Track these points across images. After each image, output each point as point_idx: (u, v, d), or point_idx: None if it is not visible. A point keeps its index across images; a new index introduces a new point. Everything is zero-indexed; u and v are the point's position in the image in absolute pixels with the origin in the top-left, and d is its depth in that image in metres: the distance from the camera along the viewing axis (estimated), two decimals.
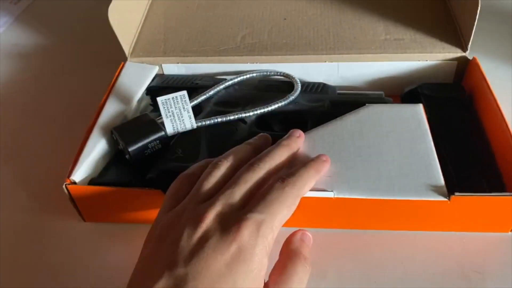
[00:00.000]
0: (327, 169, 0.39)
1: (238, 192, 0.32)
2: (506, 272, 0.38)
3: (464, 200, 0.38)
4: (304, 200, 0.39)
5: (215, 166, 0.35)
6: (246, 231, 0.29)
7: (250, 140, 0.40)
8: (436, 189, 0.38)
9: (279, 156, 0.37)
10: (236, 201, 0.32)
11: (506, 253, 0.40)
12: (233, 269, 0.28)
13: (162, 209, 0.34)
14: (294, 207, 0.33)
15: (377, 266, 0.40)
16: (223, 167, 0.35)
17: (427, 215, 0.40)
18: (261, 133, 0.41)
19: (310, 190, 0.38)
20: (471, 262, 0.39)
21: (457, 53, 0.50)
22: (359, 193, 0.38)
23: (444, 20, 0.54)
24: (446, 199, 0.38)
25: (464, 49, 0.50)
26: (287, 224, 0.42)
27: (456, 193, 0.37)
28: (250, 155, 0.37)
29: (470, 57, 0.50)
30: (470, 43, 0.50)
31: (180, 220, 0.31)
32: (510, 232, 0.41)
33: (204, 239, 0.29)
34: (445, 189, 0.38)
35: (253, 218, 0.30)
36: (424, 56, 0.51)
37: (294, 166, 0.36)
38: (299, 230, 0.35)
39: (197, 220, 0.30)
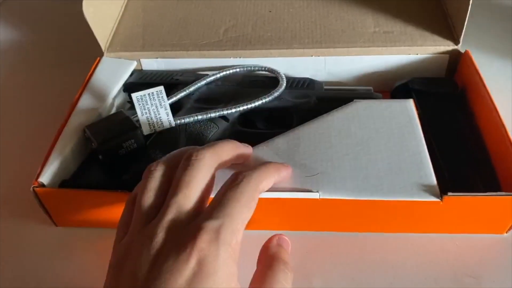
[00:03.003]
0: (288, 175, 0.36)
1: (183, 199, 0.29)
2: (502, 276, 0.36)
3: (457, 200, 0.35)
4: (288, 201, 0.37)
5: (148, 176, 0.31)
6: (203, 241, 0.26)
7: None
8: (428, 189, 0.36)
9: (222, 148, 0.33)
10: (185, 210, 0.28)
11: (502, 256, 0.38)
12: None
13: (116, 240, 0.30)
14: (253, 205, 0.30)
15: (365, 271, 0.37)
16: (157, 173, 0.31)
17: (418, 217, 0.37)
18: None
19: (295, 191, 0.36)
20: (465, 265, 0.37)
21: (449, 46, 0.48)
22: (346, 194, 0.36)
23: (435, 11, 0.52)
24: (438, 200, 0.35)
25: (456, 42, 0.48)
26: (269, 227, 0.40)
27: (449, 193, 0.35)
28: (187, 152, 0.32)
29: (462, 50, 0.48)
30: (462, 36, 0.47)
31: (131, 248, 0.28)
32: (506, 234, 0.39)
33: (160, 263, 0.26)
34: (437, 188, 0.36)
35: (209, 226, 0.27)
36: (414, 50, 0.49)
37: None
38: (275, 235, 0.33)
39: (147, 244, 0.27)
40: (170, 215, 0.28)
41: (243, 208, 0.29)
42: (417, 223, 0.38)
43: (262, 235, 0.39)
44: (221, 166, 0.33)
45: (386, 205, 0.36)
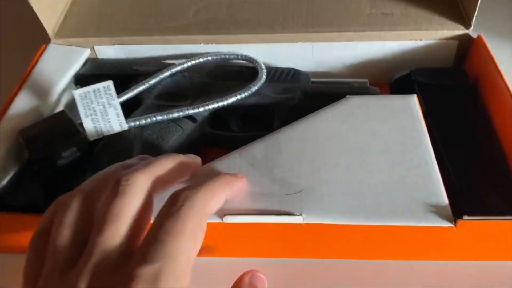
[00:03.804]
0: (243, 187, 0.30)
1: (111, 237, 0.22)
2: None
3: (474, 225, 0.28)
4: (264, 226, 0.29)
5: (64, 206, 0.24)
6: None
7: (125, 161, 0.29)
8: (438, 211, 0.29)
9: (160, 165, 0.26)
10: (113, 253, 0.22)
11: None
12: None
13: None
14: (201, 235, 0.23)
15: None
16: (76, 204, 0.24)
17: (425, 243, 0.30)
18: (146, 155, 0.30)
19: (273, 214, 0.29)
20: None
21: (458, 30, 0.41)
22: (336, 217, 0.29)
23: None
24: (451, 225, 0.28)
25: (467, 25, 0.41)
26: (240, 254, 0.33)
27: (465, 217, 0.28)
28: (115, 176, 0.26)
29: (474, 35, 0.41)
30: (474, 18, 0.40)
31: None
32: None
33: None
34: (449, 210, 0.29)
35: (144, 272, 0.21)
36: (418, 35, 0.41)
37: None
38: (247, 272, 0.26)
39: None
40: (95, 259, 0.21)
41: (187, 243, 0.22)
42: (424, 250, 0.31)
43: (232, 263, 0.32)
44: (160, 188, 0.26)
45: (386, 230, 0.29)
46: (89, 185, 0.26)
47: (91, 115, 0.33)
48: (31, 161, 0.33)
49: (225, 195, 0.27)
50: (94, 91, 0.33)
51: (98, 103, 0.33)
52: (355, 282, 0.32)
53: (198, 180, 0.26)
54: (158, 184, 0.26)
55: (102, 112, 0.34)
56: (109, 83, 0.33)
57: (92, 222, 0.24)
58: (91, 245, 0.22)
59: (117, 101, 0.34)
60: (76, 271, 0.21)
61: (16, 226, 0.32)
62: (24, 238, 0.33)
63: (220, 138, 0.38)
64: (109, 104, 0.33)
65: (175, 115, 0.36)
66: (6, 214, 0.31)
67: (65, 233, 0.23)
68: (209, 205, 0.25)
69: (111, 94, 0.33)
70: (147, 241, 0.22)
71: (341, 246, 0.31)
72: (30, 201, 0.33)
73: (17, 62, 0.43)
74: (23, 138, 0.33)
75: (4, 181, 0.34)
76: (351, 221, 0.29)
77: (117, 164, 0.28)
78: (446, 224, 0.28)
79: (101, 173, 0.27)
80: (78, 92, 0.33)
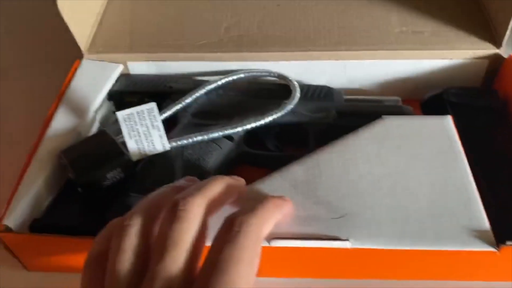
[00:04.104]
0: (290, 210, 0.30)
1: (172, 263, 0.23)
2: None
3: None
4: (312, 250, 0.30)
5: (121, 231, 0.25)
6: None
7: (175, 183, 0.29)
8: (481, 236, 0.30)
9: (212, 189, 0.27)
10: (175, 279, 0.22)
11: None
12: None
13: None
14: (257, 260, 0.24)
15: None
16: (134, 229, 0.25)
17: (468, 267, 0.31)
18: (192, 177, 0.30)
19: (320, 239, 0.30)
20: None
21: (489, 49, 0.41)
22: (383, 242, 0.30)
23: (472, 8, 0.45)
24: (494, 249, 0.29)
25: (498, 44, 0.41)
26: (287, 274, 0.33)
27: (508, 242, 0.29)
28: (169, 199, 0.26)
29: (505, 55, 0.41)
30: (506, 38, 0.40)
31: None
32: None
33: None
34: (492, 235, 0.30)
35: None
36: (448, 54, 0.42)
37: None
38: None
39: None
40: (158, 286, 0.22)
41: (246, 270, 0.23)
42: (467, 273, 0.32)
43: (282, 283, 0.33)
44: (213, 212, 0.27)
45: (432, 254, 0.30)
46: (143, 208, 0.26)
47: (134, 136, 0.34)
48: (75, 182, 0.34)
49: (275, 218, 0.27)
50: (137, 113, 0.34)
51: (141, 124, 0.34)
52: None
53: (249, 204, 0.27)
54: (211, 208, 0.26)
55: (146, 133, 0.34)
56: (153, 105, 0.34)
57: (150, 246, 0.24)
58: (152, 272, 0.22)
59: (160, 122, 0.34)
60: None
61: (58, 246, 0.33)
62: (69, 259, 0.33)
63: (256, 157, 0.38)
64: (152, 125, 0.34)
65: (215, 135, 0.36)
66: (50, 237, 0.32)
67: (125, 258, 0.24)
68: (263, 230, 0.26)
69: (154, 116, 0.34)
70: (207, 269, 0.23)
71: (387, 270, 0.32)
72: (74, 222, 0.33)
73: (53, 76, 0.43)
74: (68, 160, 0.34)
75: (47, 202, 0.35)
76: (398, 246, 0.29)
77: (169, 187, 0.28)
78: (490, 248, 0.29)
79: (154, 195, 0.28)
80: (122, 114, 0.33)
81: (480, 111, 0.40)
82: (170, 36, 0.44)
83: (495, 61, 0.42)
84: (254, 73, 0.43)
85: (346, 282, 0.33)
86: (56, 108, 0.39)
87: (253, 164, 0.38)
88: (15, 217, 0.32)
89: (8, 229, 0.31)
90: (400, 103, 0.41)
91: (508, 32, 0.40)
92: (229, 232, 0.24)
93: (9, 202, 0.33)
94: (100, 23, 0.46)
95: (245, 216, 0.25)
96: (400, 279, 0.33)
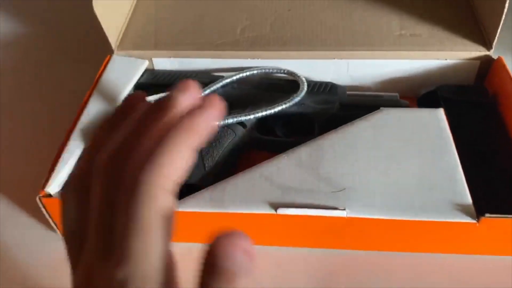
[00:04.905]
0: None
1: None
2: None
3: (495, 222, 0.33)
4: (312, 218, 0.34)
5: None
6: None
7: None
8: (463, 209, 0.33)
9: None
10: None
11: None
12: None
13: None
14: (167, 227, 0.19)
15: None
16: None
17: (451, 237, 0.35)
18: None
19: (320, 208, 0.34)
20: None
21: (480, 51, 0.45)
22: (375, 212, 0.34)
23: (465, 13, 0.49)
24: (474, 221, 0.33)
25: (489, 47, 0.45)
26: (290, 243, 0.37)
27: (487, 215, 0.33)
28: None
29: (495, 57, 0.45)
30: (495, 41, 0.45)
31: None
32: None
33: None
34: (473, 209, 0.33)
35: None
36: (443, 55, 0.46)
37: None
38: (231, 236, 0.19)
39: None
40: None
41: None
42: (449, 244, 0.36)
43: (282, 252, 0.37)
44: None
45: (418, 225, 0.34)
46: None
47: None
48: None
49: (190, 148, 0.20)
50: None
51: None
52: (387, 272, 0.36)
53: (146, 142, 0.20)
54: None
55: None
56: None
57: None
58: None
59: None
60: None
61: None
62: None
63: (266, 142, 0.43)
64: None
65: (230, 121, 0.41)
66: None
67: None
68: (167, 181, 0.19)
69: None
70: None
71: (378, 238, 0.36)
72: None
73: (86, 69, 0.48)
74: None
75: None
76: (387, 216, 0.33)
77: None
78: (470, 220, 0.33)
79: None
80: (148, 99, 0.38)
81: (471, 106, 0.44)
82: (191, 36, 0.49)
83: (486, 62, 0.46)
84: (266, 70, 0.47)
85: (340, 252, 0.37)
86: (89, 96, 0.44)
87: (263, 149, 0.43)
88: (53, 188, 0.37)
89: (48, 195, 0.36)
90: (398, 98, 0.45)
91: (497, 36, 0.44)
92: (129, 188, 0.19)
93: (49, 174, 0.37)
94: (129, 23, 0.51)
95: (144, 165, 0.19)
96: (390, 250, 0.36)
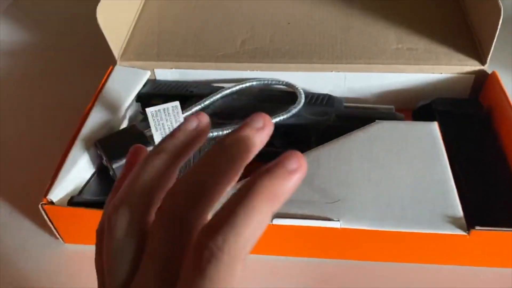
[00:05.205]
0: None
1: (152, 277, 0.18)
2: None
3: (485, 235, 0.34)
4: (306, 229, 0.35)
5: (104, 233, 0.21)
6: None
7: (164, 139, 0.21)
8: (454, 221, 0.34)
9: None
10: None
11: None
12: None
13: None
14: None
15: None
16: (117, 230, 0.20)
17: (442, 249, 0.36)
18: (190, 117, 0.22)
19: (314, 218, 0.35)
20: None
21: (474, 66, 0.46)
22: (368, 223, 0.34)
23: (461, 29, 0.50)
24: (465, 233, 0.34)
25: (483, 62, 0.46)
26: (283, 253, 0.38)
27: (477, 227, 0.33)
28: (160, 180, 0.20)
29: (489, 71, 0.46)
30: (490, 56, 0.45)
31: None
32: None
33: None
34: (464, 221, 0.34)
35: None
36: (438, 69, 0.47)
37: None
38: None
39: None
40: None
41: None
42: (440, 255, 0.36)
43: (277, 261, 0.38)
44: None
45: (410, 236, 0.34)
46: (128, 204, 0.20)
47: (160, 129, 0.39)
48: (108, 167, 0.39)
49: (266, 221, 0.17)
50: (164, 109, 0.39)
51: (167, 120, 0.39)
52: (380, 282, 0.37)
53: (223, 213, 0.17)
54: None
55: (170, 128, 0.40)
56: (177, 104, 0.40)
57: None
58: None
59: (182, 118, 0.40)
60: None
61: (93, 220, 0.38)
62: None
63: (263, 153, 0.43)
64: (176, 121, 0.40)
65: (229, 131, 0.42)
66: (87, 210, 0.37)
67: (112, 266, 0.20)
68: (246, 249, 0.17)
69: (178, 113, 0.40)
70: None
71: (371, 249, 0.36)
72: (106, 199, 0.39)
73: (89, 79, 0.49)
74: (102, 148, 0.39)
75: (83, 184, 0.40)
76: (380, 227, 0.34)
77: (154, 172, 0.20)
78: (461, 232, 0.34)
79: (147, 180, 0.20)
80: (151, 110, 0.39)
81: (465, 119, 0.45)
82: (192, 47, 0.51)
83: (480, 76, 0.47)
84: (265, 81, 0.48)
85: (334, 262, 0.38)
86: (92, 106, 0.45)
87: (260, 159, 0.43)
88: (56, 195, 0.38)
89: (51, 202, 0.37)
90: (393, 111, 0.46)
91: (491, 51, 0.45)
92: (198, 258, 0.16)
93: (52, 182, 0.38)
94: (132, 35, 0.53)
95: (218, 233, 0.16)
96: (383, 260, 0.37)
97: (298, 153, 0.18)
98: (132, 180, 0.20)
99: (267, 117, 0.20)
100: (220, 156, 0.19)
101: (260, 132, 0.20)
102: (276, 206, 0.17)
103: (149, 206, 0.20)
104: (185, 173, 0.19)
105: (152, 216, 0.20)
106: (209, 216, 0.18)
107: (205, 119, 0.22)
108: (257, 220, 0.17)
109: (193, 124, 0.22)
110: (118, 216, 0.20)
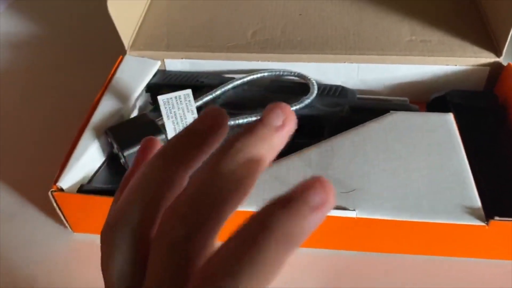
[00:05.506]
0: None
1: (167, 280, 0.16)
2: None
3: (504, 225, 0.33)
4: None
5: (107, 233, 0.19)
6: None
7: (178, 134, 0.19)
8: (472, 212, 0.33)
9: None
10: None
11: None
12: None
13: None
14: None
15: None
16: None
17: (460, 240, 0.35)
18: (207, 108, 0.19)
19: None
20: None
21: (490, 58, 0.46)
22: (385, 213, 0.34)
23: (475, 20, 0.49)
24: (484, 224, 0.33)
25: (498, 53, 0.46)
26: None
27: (496, 218, 0.33)
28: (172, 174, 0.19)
29: (504, 63, 0.45)
30: (505, 48, 0.45)
31: None
32: None
33: None
34: (482, 212, 0.33)
35: None
36: (453, 61, 0.46)
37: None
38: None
39: None
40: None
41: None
42: (458, 247, 0.36)
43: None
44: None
45: (427, 227, 0.34)
46: (141, 201, 0.19)
47: (171, 117, 0.39)
48: (118, 155, 0.39)
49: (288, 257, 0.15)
50: (176, 97, 0.39)
51: (178, 108, 0.39)
52: (396, 275, 0.36)
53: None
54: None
55: (181, 116, 0.39)
56: (189, 92, 0.39)
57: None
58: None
59: (194, 107, 0.39)
60: None
61: (103, 207, 0.37)
62: None
63: None
64: (187, 109, 0.39)
65: (241, 121, 0.41)
66: (97, 198, 0.37)
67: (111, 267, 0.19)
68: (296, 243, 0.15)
69: (189, 101, 0.39)
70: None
71: (387, 239, 0.36)
72: (116, 188, 0.38)
73: (98, 68, 0.49)
74: (113, 136, 0.39)
75: (93, 172, 0.40)
76: (397, 217, 0.34)
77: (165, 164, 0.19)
78: (479, 223, 0.33)
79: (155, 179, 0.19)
80: (162, 98, 0.39)
81: (480, 112, 0.44)
82: (203, 38, 0.50)
83: (496, 69, 0.46)
84: (276, 72, 0.48)
85: (348, 254, 0.37)
86: (102, 95, 0.44)
87: None
88: (66, 182, 0.37)
89: (60, 190, 0.37)
90: (408, 103, 0.45)
91: (507, 43, 0.45)
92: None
93: (61, 170, 0.38)
94: (142, 25, 0.52)
95: (225, 282, 0.15)
96: (398, 252, 0.37)
97: (326, 182, 0.15)
98: (134, 189, 0.19)
99: (287, 108, 0.17)
100: (229, 165, 0.16)
101: (279, 132, 0.17)
102: (293, 250, 0.15)
103: (151, 222, 0.19)
104: (186, 187, 0.17)
105: (155, 229, 0.18)
106: (214, 242, 0.16)
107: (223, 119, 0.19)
108: (269, 266, 0.15)
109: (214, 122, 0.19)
110: (115, 240, 0.19)
